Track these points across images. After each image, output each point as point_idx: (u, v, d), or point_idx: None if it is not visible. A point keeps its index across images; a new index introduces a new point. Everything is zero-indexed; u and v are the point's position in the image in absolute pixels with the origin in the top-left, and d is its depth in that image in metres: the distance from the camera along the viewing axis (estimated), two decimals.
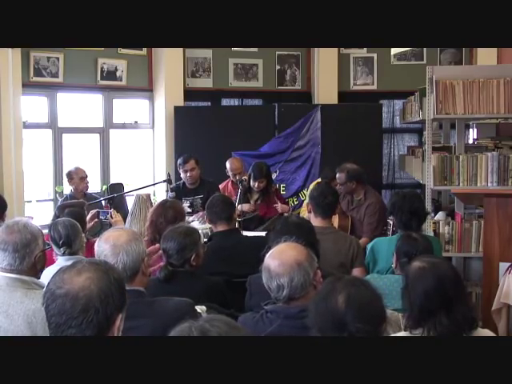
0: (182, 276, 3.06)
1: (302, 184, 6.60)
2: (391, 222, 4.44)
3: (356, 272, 3.62)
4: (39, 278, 2.91)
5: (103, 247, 2.39)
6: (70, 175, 5.77)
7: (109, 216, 4.52)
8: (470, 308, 2.23)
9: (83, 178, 5.77)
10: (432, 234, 4.44)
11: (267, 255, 2.44)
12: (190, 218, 4.83)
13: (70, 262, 1.77)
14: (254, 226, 5.10)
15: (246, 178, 5.20)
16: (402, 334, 2.30)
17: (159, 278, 3.02)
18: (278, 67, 7.58)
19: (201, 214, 4.83)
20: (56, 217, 4.02)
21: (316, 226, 3.56)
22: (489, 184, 4.48)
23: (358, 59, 7.61)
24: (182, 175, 5.61)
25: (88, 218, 4.29)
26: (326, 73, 7.41)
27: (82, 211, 4.16)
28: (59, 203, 5.35)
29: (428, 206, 4.60)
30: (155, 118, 7.18)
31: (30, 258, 2.44)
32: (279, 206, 5.26)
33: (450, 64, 7.38)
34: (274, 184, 5.66)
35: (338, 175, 5.16)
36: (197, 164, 5.57)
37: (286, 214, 5.02)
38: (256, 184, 5.28)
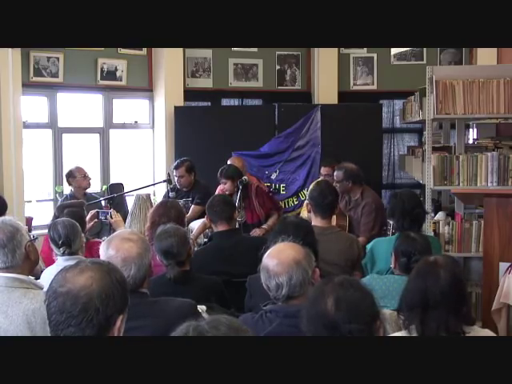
0: (183, 276, 3.06)
1: (302, 184, 6.60)
2: (391, 222, 4.43)
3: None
4: (38, 276, 2.91)
5: (112, 256, 2.33)
6: (72, 174, 5.76)
7: (109, 216, 4.51)
8: (461, 319, 2.21)
9: (85, 175, 5.78)
10: (432, 233, 4.44)
11: (265, 255, 2.44)
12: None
13: (69, 262, 1.78)
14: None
15: (246, 178, 5.19)
16: (401, 333, 2.31)
17: (169, 278, 3.02)
18: (278, 67, 7.58)
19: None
20: (55, 217, 4.02)
21: (317, 226, 3.61)
22: (489, 184, 4.48)
23: (358, 59, 7.61)
24: (175, 178, 5.67)
25: (87, 218, 4.28)
26: (325, 73, 7.41)
27: (82, 211, 4.16)
28: (59, 203, 5.35)
29: (428, 206, 4.60)
30: (155, 118, 7.17)
31: (20, 249, 2.43)
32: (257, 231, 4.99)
33: (449, 64, 7.38)
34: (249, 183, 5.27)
35: (335, 173, 5.16)
36: (188, 172, 5.59)
37: (284, 215, 5.01)
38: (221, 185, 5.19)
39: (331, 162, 5.73)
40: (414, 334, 2.19)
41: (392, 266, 3.14)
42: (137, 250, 2.36)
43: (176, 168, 5.64)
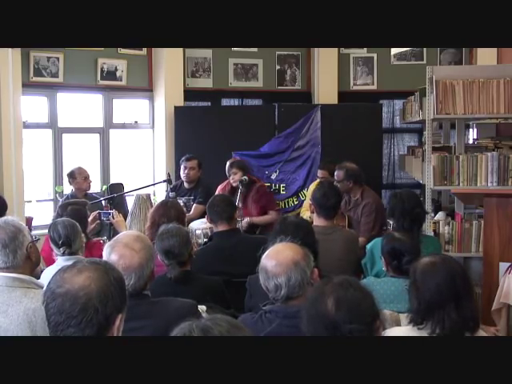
0: (184, 276, 3.06)
1: (302, 184, 6.60)
2: (391, 222, 4.43)
3: None
4: (38, 276, 2.90)
5: (114, 262, 2.23)
6: (72, 175, 5.73)
7: (111, 217, 4.51)
8: (476, 306, 2.26)
9: (86, 177, 5.77)
10: (432, 233, 4.44)
11: (263, 256, 2.43)
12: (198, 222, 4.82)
13: (69, 262, 1.77)
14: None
15: (246, 178, 5.19)
16: (403, 329, 2.31)
17: (170, 278, 3.02)
18: (278, 67, 7.58)
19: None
20: (59, 215, 4.00)
21: (319, 226, 3.68)
22: (489, 184, 4.47)
23: (358, 59, 7.61)
24: (181, 171, 5.72)
25: (89, 219, 4.27)
26: (325, 73, 7.42)
27: (85, 210, 4.16)
28: (60, 203, 5.34)
29: (428, 206, 4.60)
30: (155, 118, 7.18)
31: (21, 250, 2.43)
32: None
33: (449, 64, 7.38)
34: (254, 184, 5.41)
35: (336, 172, 5.16)
36: (198, 166, 5.71)
37: (284, 215, 5.01)
38: (230, 177, 5.31)
39: (328, 164, 5.72)
40: (438, 331, 2.18)
41: (384, 268, 3.13)
42: (138, 261, 2.35)
43: (188, 160, 5.69)
